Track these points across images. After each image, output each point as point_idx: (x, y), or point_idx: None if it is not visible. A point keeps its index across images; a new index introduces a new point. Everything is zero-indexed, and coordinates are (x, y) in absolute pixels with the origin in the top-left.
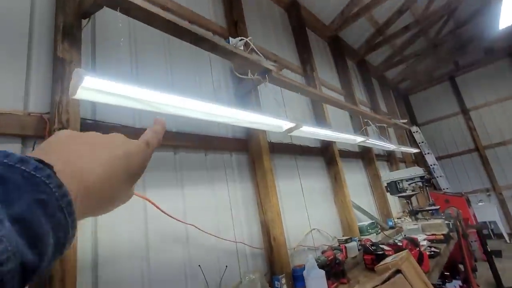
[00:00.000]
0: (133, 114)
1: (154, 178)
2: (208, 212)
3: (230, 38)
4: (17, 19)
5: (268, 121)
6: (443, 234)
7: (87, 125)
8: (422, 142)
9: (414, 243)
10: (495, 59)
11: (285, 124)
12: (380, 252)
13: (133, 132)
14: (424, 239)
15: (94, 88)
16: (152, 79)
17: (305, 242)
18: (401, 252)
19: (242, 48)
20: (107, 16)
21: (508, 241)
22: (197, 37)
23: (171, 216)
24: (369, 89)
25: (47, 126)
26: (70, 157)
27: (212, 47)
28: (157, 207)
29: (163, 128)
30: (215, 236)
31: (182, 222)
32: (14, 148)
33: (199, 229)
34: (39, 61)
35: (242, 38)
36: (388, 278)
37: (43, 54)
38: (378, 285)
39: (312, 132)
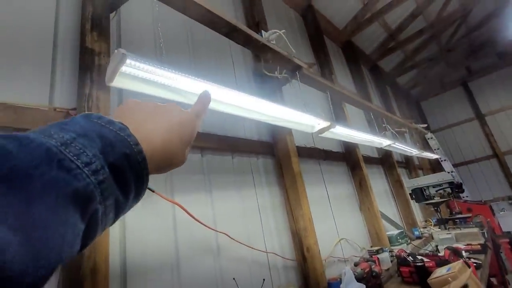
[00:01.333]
0: None
1: (182, 181)
2: (237, 220)
3: (263, 32)
4: (42, 8)
5: (301, 119)
6: (480, 244)
7: None
8: (438, 148)
9: (457, 253)
10: (509, 64)
11: (319, 124)
12: (419, 264)
13: None
14: (463, 249)
15: (135, 74)
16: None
17: (334, 253)
18: (455, 263)
19: (274, 42)
20: (133, 11)
21: None
22: (232, 28)
23: (203, 224)
24: (383, 94)
25: None
26: (140, 122)
27: (246, 40)
28: (189, 214)
29: (208, 101)
30: (247, 245)
31: (214, 230)
32: None
33: (231, 237)
34: (64, 52)
35: (276, 31)
36: None
37: (68, 46)
38: None
39: (343, 134)
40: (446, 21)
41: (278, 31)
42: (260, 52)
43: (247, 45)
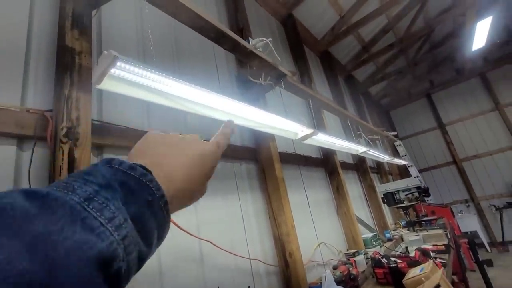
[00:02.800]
0: (141, 116)
1: None
2: (221, 226)
3: (250, 39)
4: (13, 1)
5: (285, 125)
6: (444, 244)
7: (93, 126)
8: (405, 155)
9: (426, 254)
10: (466, 78)
11: (302, 131)
12: (393, 265)
13: (141, 136)
14: (430, 250)
15: (126, 77)
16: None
17: (314, 257)
18: (427, 264)
19: (260, 49)
20: (115, 10)
21: (489, 250)
22: (220, 33)
23: (187, 232)
24: (357, 103)
25: (49, 125)
26: (160, 160)
27: (233, 46)
28: (173, 222)
29: (232, 131)
30: (231, 253)
31: (197, 238)
32: (8, 150)
33: (215, 245)
34: (39, 51)
35: (263, 39)
36: None
37: (44, 44)
38: None
39: (323, 141)
40: (413, 37)
41: (265, 39)
42: (247, 58)
43: (234, 51)
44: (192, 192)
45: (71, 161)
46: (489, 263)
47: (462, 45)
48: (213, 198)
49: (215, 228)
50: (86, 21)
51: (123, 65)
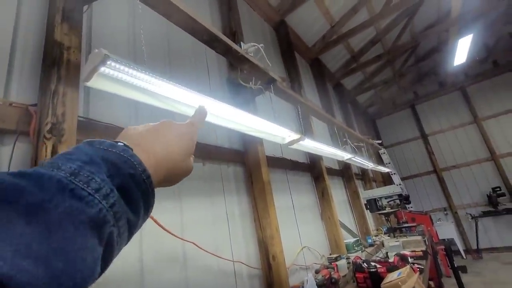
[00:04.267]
0: (129, 114)
1: None
2: (206, 228)
3: (242, 43)
4: None
5: (274, 130)
6: (422, 251)
7: (79, 123)
8: (389, 163)
9: (405, 259)
10: (448, 92)
11: (289, 135)
12: (373, 270)
13: None
14: (408, 256)
15: (116, 76)
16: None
17: (297, 261)
18: (404, 268)
19: (252, 54)
20: (108, 8)
21: (464, 257)
22: (213, 37)
23: (171, 233)
24: (344, 110)
25: (33, 119)
26: (139, 141)
27: (225, 50)
28: (157, 223)
29: (205, 114)
30: (214, 255)
31: (181, 239)
32: None
33: (199, 247)
34: (26, 44)
35: (254, 44)
36: None
37: (31, 37)
38: None
39: (310, 146)
40: (400, 49)
41: (256, 44)
42: (238, 63)
43: (226, 55)
44: (174, 167)
45: None
46: (463, 269)
47: (445, 60)
48: (198, 199)
49: (200, 229)
50: (77, 16)
51: (113, 64)
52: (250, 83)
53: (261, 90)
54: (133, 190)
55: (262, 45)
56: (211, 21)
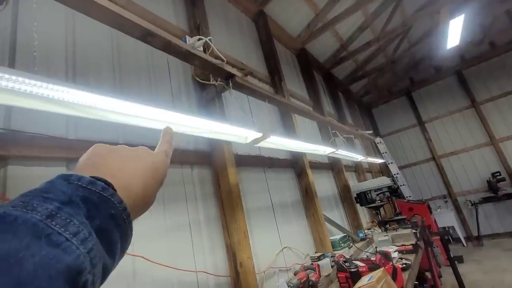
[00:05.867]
0: (66, 123)
1: None
2: (161, 239)
3: (187, 37)
4: None
5: (232, 131)
6: (412, 245)
7: None
8: (385, 152)
9: (387, 257)
10: (444, 76)
11: (251, 134)
12: (353, 270)
13: (65, 144)
14: (395, 251)
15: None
16: (94, 84)
17: (276, 263)
18: (376, 271)
19: (201, 49)
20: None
21: (465, 244)
22: (146, 32)
23: None
24: (335, 101)
25: None
26: (117, 172)
27: (165, 46)
28: None
29: (172, 137)
30: (171, 267)
31: (129, 254)
32: None
33: (149, 260)
34: None
35: (201, 37)
36: None
37: None
38: None
39: (280, 143)
40: (390, 35)
41: (203, 37)
42: (186, 59)
43: (167, 50)
44: (149, 201)
45: None
46: (460, 259)
47: (439, 44)
48: (153, 208)
49: (153, 241)
50: None
51: None
52: (211, 79)
53: (223, 86)
54: (112, 232)
55: (210, 38)
56: (175, 17)
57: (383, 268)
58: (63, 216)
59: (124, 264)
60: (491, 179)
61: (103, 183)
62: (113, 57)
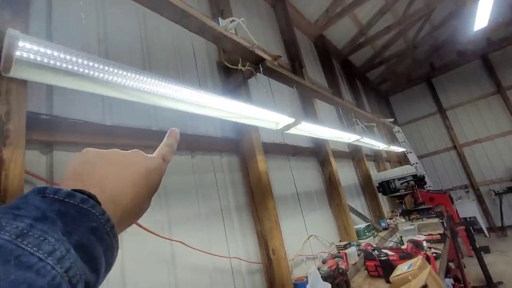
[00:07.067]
0: (102, 108)
1: None
2: (196, 225)
3: (220, 19)
4: None
5: (264, 115)
6: (439, 234)
7: (39, 121)
8: (404, 141)
9: (418, 246)
10: (467, 61)
11: (282, 120)
12: (384, 258)
13: (103, 130)
14: (423, 240)
15: (39, 61)
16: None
17: (303, 251)
18: (415, 259)
19: (233, 31)
20: None
21: (488, 235)
22: (182, 13)
23: (155, 234)
24: (353, 89)
25: None
26: (103, 182)
27: (199, 28)
28: (138, 225)
29: (176, 141)
30: (207, 252)
31: (168, 239)
32: None
33: (187, 246)
34: None
35: (234, 19)
36: None
37: None
38: None
39: (309, 130)
40: (412, 18)
41: (236, 19)
42: (218, 42)
43: (202, 33)
44: (138, 210)
45: None
46: (486, 249)
47: (463, 26)
48: (187, 194)
49: (190, 227)
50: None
51: (29, 46)
52: (239, 64)
53: (251, 72)
54: (94, 246)
55: (242, 19)
56: (197, 2)
57: (421, 256)
58: (36, 234)
59: (163, 249)
60: None
61: (82, 195)
62: (142, 44)
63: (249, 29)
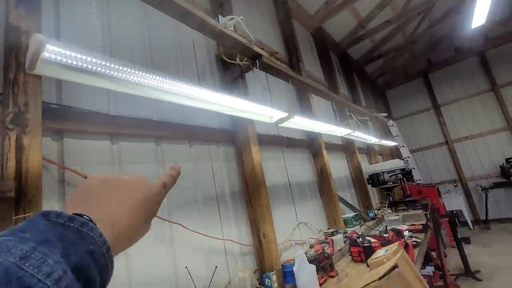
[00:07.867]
0: (107, 99)
1: (133, 172)
2: (193, 209)
3: (220, 17)
4: None
5: (258, 110)
6: (422, 224)
7: (51, 111)
8: (397, 135)
9: (399, 234)
10: (464, 58)
11: (276, 114)
12: (367, 244)
13: (108, 120)
14: (406, 229)
15: (60, 61)
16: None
17: (292, 236)
18: (392, 245)
19: (232, 28)
20: None
21: (472, 228)
22: (182, 11)
23: (156, 216)
24: (350, 83)
25: None
26: (102, 206)
27: (200, 25)
28: None
29: (178, 173)
30: (203, 234)
31: (167, 221)
32: None
33: (185, 227)
34: None
35: (233, 17)
36: (385, 274)
37: None
38: (375, 280)
39: (302, 124)
40: (411, 13)
41: (236, 17)
42: (218, 38)
43: (202, 30)
44: (136, 233)
45: (19, 149)
46: (467, 240)
47: (462, 23)
48: (185, 181)
49: (187, 211)
50: None
51: (52, 48)
52: (236, 59)
53: (249, 66)
54: (90, 267)
55: (241, 17)
56: None
57: (398, 243)
58: (37, 256)
59: (163, 232)
60: (504, 164)
61: (82, 219)
62: (145, 41)
63: (247, 21)
